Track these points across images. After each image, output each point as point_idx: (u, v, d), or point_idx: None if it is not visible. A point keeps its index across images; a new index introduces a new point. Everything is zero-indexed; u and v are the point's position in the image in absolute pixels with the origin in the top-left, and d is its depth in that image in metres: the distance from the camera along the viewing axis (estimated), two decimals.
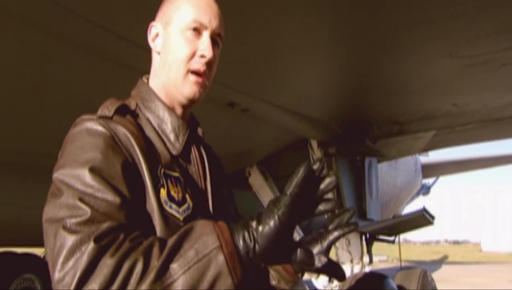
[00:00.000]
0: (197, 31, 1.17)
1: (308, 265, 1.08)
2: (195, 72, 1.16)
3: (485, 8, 2.88)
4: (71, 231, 0.90)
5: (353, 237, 5.60)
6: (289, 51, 3.30)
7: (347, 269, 5.54)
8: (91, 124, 1.06)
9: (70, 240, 0.89)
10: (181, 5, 1.18)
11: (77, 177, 0.97)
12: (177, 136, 1.17)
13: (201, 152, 1.25)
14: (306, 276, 5.83)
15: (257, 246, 0.94)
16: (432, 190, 16.94)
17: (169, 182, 1.09)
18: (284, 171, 6.38)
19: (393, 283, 5.24)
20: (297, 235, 5.97)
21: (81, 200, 0.94)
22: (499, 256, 38.59)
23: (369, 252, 5.92)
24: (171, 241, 0.92)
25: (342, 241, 5.55)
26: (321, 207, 1.08)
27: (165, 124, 1.17)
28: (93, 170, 0.97)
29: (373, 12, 2.88)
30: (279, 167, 6.23)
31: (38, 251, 6.56)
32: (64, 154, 1.04)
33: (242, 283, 0.92)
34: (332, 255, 5.85)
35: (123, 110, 1.14)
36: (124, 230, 0.93)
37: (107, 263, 0.86)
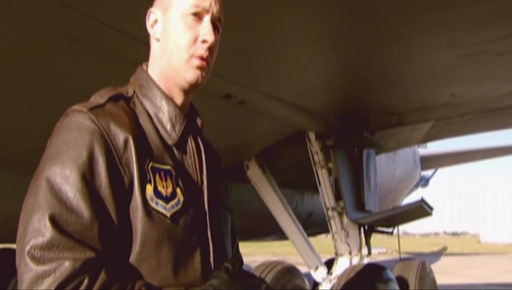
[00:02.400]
0: (198, 16, 1.16)
1: None
2: (198, 57, 1.16)
3: None
4: (34, 259, 0.91)
5: (352, 229, 5.60)
6: (286, 43, 3.28)
7: (346, 261, 5.54)
8: (81, 118, 1.04)
9: (31, 272, 0.90)
10: None
11: (58, 182, 0.96)
12: (173, 126, 1.15)
13: (198, 143, 1.23)
14: (305, 269, 5.81)
15: None
16: (431, 182, 16.95)
17: (157, 176, 1.07)
18: (282, 163, 6.37)
19: (392, 274, 5.25)
20: (297, 231, 5.97)
21: (52, 219, 0.93)
22: (497, 247, 38.76)
23: (368, 244, 5.92)
24: None
25: (341, 233, 5.55)
26: None
27: (162, 113, 1.15)
28: (74, 174, 0.97)
29: (369, 2, 2.86)
30: (277, 159, 6.21)
31: None
32: (51, 146, 1.03)
33: None
34: (331, 246, 5.86)
35: (117, 99, 1.12)
36: (89, 269, 0.92)
37: None
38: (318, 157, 5.61)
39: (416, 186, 14.83)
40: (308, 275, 6.11)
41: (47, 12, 2.44)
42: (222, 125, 4.69)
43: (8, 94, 3.24)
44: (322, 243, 15.33)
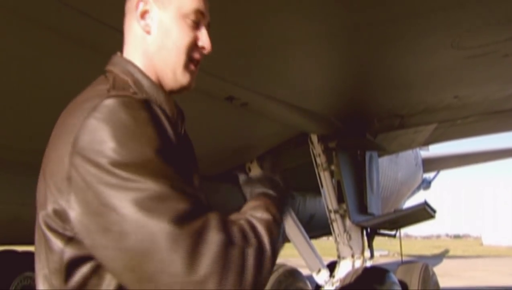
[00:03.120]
0: (197, 19, 1.16)
1: None
2: (195, 61, 1.16)
3: None
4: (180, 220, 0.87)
5: (354, 232, 5.58)
6: (288, 44, 3.26)
7: (348, 264, 5.52)
8: (129, 100, 0.97)
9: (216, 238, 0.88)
10: None
11: (148, 162, 0.90)
12: (176, 121, 1.14)
13: (189, 140, 1.22)
14: (306, 271, 5.77)
15: None
16: (433, 184, 16.93)
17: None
18: (284, 165, 6.33)
19: (395, 277, 5.23)
20: (299, 233, 5.94)
21: (162, 188, 0.89)
22: (500, 249, 38.68)
23: (370, 247, 5.89)
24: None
25: (343, 235, 5.52)
26: None
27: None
28: (158, 152, 0.92)
29: (373, 3, 2.85)
30: (279, 161, 6.18)
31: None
32: (112, 133, 0.91)
33: None
34: (333, 249, 5.83)
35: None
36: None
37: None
38: (320, 159, 5.59)
39: (418, 188, 14.81)
40: (310, 278, 6.08)
41: (50, 14, 2.44)
42: (224, 127, 4.67)
43: (9, 96, 3.23)
44: (324, 245, 15.29)
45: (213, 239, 0.86)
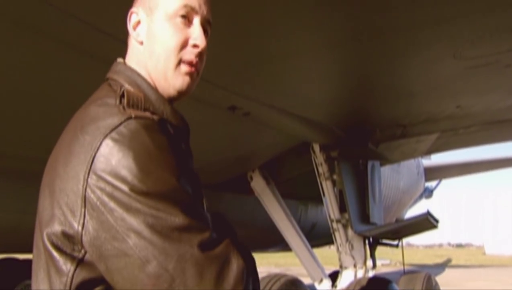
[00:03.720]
0: (187, 18, 1.09)
1: None
2: (188, 62, 1.08)
3: (489, 8, 2.85)
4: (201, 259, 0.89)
5: (356, 241, 5.56)
6: (291, 55, 3.27)
7: (350, 273, 5.49)
8: (151, 124, 0.96)
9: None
10: None
11: (172, 191, 0.91)
12: None
13: (189, 148, 1.18)
14: (308, 280, 5.74)
15: None
16: (435, 193, 16.88)
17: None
18: (286, 175, 6.34)
19: (397, 288, 5.20)
20: (301, 242, 5.93)
21: (191, 219, 0.91)
22: (503, 259, 38.44)
23: (373, 256, 5.87)
24: None
25: (346, 245, 5.51)
26: None
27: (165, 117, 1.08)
28: (179, 179, 0.94)
29: (375, 14, 2.86)
30: (281, 171, 6.19)
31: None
32: (136, 159, 0.91)
33: None
34: (335, 259, 5.80)
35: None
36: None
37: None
38: (322, 169, 5.59)
39: (420, 197, 14.77)
40: (312, 287, 6.05)
41: (48, 22, 2.44)
42: (227, 137, 4.68)
43: (9, 104, 3.24)
44: (325, 254, 15.23)
45: (235, 264, 0.90)
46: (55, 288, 0.94)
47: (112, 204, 0.88)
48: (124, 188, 0.88)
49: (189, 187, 0.96)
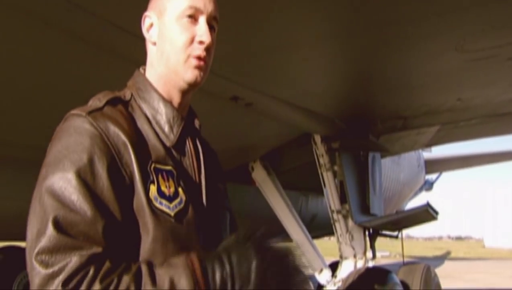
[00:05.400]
0: (193, 17, 1.16)
1: None
2: (196, 57, 1.16)
3: (491, 1, 2.86)
4: (42, 263, 0.93)
5: (356, 232, 5.60)
6: (292, 46, 3.29)
7: (350, 264, 5.54)
8: (80, 122, 1.05)
9: (40, 275, 0.92)
10: None
11: (60, 186, 0.98)
12: (171, 128, 1.17)
13: (196, 144, 1.24)
14: (309, 271, 5.77)
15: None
16: (435, 185, 16.91)
17: (159, 177, 1.09)
18: (287, 165, 6.37)
19: (397, 278, 5.25)
20: (302, 233, 5.97)
21: (56, 222, 0.95)
22: (502, 252, 38.56)
23: (372, 247, 5.91)
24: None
25: (346, 236, 5.55)
26: None
27: (159, 115, 1.17)
28: (76, 177, 0.99)
29: (377, 5, 2.87)
30: (282, 161, 6.22)
31: None
32: (52, 151, 1.04)
33: None
34: (335, 249, 5.85)
35: (115, 102, 1.14)
36: (95, 261, 0.94)
37: None
38: (323, 160, 5.61)
39: (420, 189, 14.79)
40: (312, 278, 6.10)
41: (55, 11, 2.46)
42: (229, 127, 4.70)
43: (10, 92, 3.26)
44: (325, 245, 15.30)
45: None
46: None
47: None
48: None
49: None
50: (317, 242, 6.65)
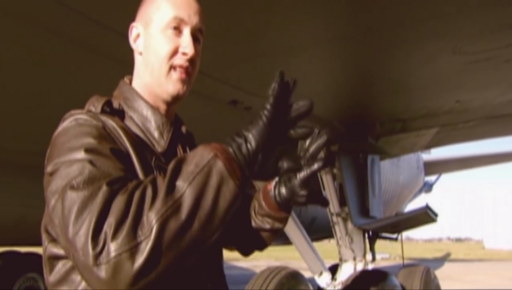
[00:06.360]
0: (178, 29, 1.18)
1: (295, 171, 1.11)
2: (178, 68, 1.17)
3: (489, 4, 2.87)
4: (79, 189, 0.92)
5: (356, 235, 5.60)
6: (291, 49, 3.29)
7: (350, 267, 5.54)
8: (82, 116, 1.08)
9: (80, 196, 0.90)
10: (160, 5, 1.19)
11: (73, 158, 0.98)
12: (161, 134, 1.19)
13: (186, 149, 1.27)
14: (309, 274, 5.76)
15: (248, 144, 1.00)
16: (434, 187, 16.92)
17: (162, 174, 1.09)
18: None
19: (396, 281, 5.25)
20: (301, 236, 5.96)
21: (82, 163, 0.95)
22: (501, 253, 38.56)
23: (372, 250, 5.91)
24: (171, 165, 0.96)
25: (345, 238, 5.55)
26: (295, 133, 1.06)
27: (149, 123, 1.19)
28: (88, 150, 0.98)
29: (375, 9, 2.88)
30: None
31: (42, 251, 6.57)
32: (56, 146, 1.04)
33: (244, 185, 0.98)
34: (335, 252, 5.85)
35: (109, 107, 1.16)
36: (130, 179, 0.96)
37: (119, 199, 0.89)
38: None
39: (420, 191, 14.82)
40: (312, 281, 6.10)
41: (49, 15, 2.46)
42: (228, 131, 4.69)
43: (10, 98, 3.26)
44: (325, 248, 15.29)
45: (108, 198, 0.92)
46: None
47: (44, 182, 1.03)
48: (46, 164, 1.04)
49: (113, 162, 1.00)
50: (316, 245, 6.65)
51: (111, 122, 1.09)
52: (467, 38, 3.26)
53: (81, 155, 0.97)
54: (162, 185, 0.91)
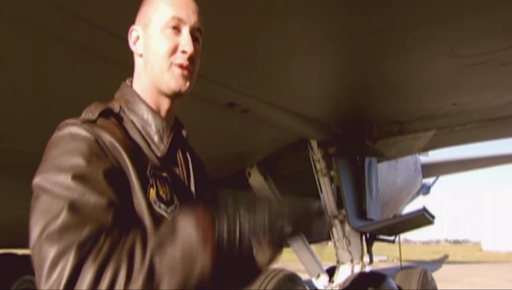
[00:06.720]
0: (177, 29, 1.18)
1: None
2: (179, 66, 1.17)
3: (485, 8, 2.89)
4: (52, 241, 0.90)
5: (353, 237, 5.60)
6: (288, 52, 3.30)
7: (347, 269, 5.54)
8: (75, 129, 1.06)
9: (52, 251, 0.89)
10: (158, 5, 1.20)
11: (59, 183, 0.96)
12: (161, 138, 1.18)
13: (185, 153, 1.27)
14: (306, 276, 5.76)
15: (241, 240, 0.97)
16: (432, 189, 16.94)
17: (158, 182, 1.10)
18: (284, 171, 6.38)
19: (393, 283, 5.25)
20: (299, 238, 5.96)
21: (63, 204, 0.94)
22: (499, 255, 38.60)
23: (369, 252, 5.92)
24: (156, 239, 0.94)
25: (343, 241, 5.55)
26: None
27: (149, 126, 1.18)
28: (75, 177, 0.97)
29: (372, 12, 2.89)
30: (279, 167, 6.22)
31: None
32: (47, 159, 1.03)
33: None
34: (333, 255, 5.85)
35: (107, 113, 1.15)
36: (106, 231, 0.93)
37: (89, 268, 0.88)
38: (320, 165, 5.63)
39: (418, 194, 14.81)
40: (309, 283, 6.10)
41: (50, 19, 2.47)
42: (225, 133, 4.71)
43: (9, 99, 3.26)
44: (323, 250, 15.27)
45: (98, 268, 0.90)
46: None
47: None
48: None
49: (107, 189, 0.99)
50: (314, 247, 6.65)
51: (107, 135, 1.07)
52: (464, 42, 3.28)
53: (67, 181, 0.96)
54: (139, 267, 0.90)
